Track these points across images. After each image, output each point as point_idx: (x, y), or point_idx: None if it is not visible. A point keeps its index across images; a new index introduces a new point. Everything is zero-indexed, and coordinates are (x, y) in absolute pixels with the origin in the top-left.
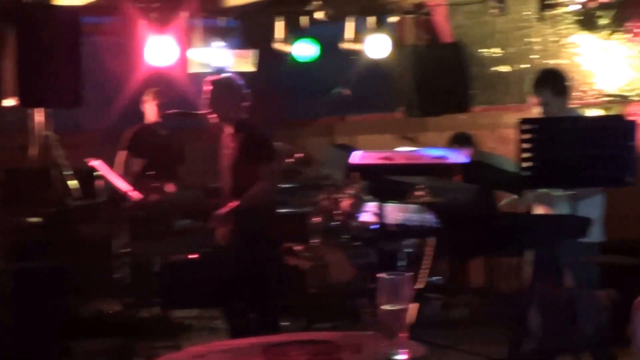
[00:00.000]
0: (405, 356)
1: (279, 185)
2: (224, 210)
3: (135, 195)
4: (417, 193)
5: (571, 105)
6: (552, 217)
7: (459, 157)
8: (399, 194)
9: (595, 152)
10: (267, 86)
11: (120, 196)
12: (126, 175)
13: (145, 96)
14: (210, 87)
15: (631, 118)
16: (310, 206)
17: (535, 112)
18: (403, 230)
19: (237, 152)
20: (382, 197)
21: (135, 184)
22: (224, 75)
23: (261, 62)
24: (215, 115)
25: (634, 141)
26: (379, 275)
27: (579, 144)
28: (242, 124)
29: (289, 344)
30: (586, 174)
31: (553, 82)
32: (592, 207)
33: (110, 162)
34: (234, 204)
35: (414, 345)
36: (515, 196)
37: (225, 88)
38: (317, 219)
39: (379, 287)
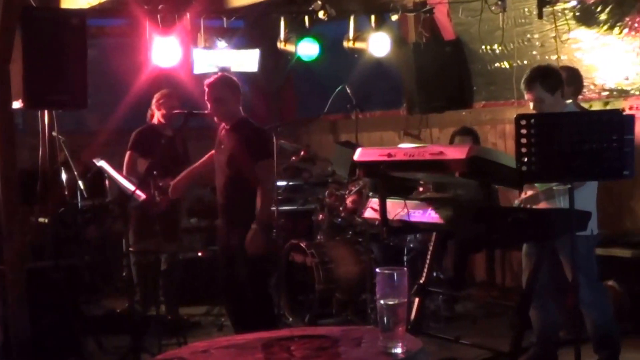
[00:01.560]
0: (402, 349)
1: (287, 183)
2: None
3: (141, 194)
4: (420, 189)
5: (568, 100)
6: (554, 211)
7: (457, 152)
8: (403, 190)
9: (594, 146)
10: (272, 85)
11: (127, 196)
12: (133, 175)
13: (155, 98)
14: (209, 89)
15: (630, 112)
16: (315, 203)
17: (531, 108)
18: (406, 226)
19: (231, 150)
20: (386, 193)
21: (141, 183)
22: (220, 74)
23: (265, 62)
24: (214, 115)
25: (632, 135)
26: (377, 270)
27: (577, 138)
28: (239, 121)
29: (289, 339)
30: (584, 167)
31: (543, 79)
32: (587, 200)
33: (119, 163)
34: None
35: (411, 339)
36: (537, 190)
37: (221, 87)
38: (322, 216)
39: (377, 281)
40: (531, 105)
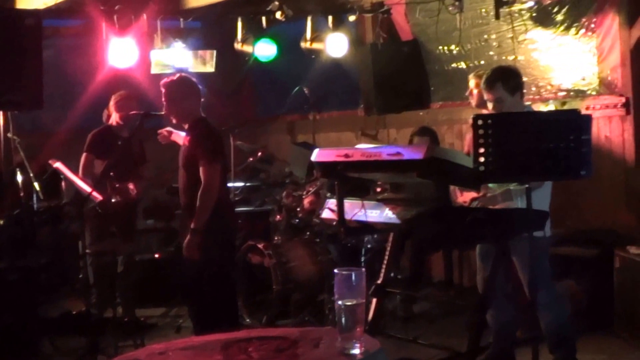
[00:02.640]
0: (360, 350)
1: (244, 184)
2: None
3: (97, 196)
4: (378, 189)
5: (527, 102)
6: (512, 211)
7: (414, 153)
8: (360, 190)
9: (551, 146)
10: (229, 86)
11: (84, 197)
12: (89, 176)
13: (113, 99)
14: (165, 89)
15: (587, 112)
16: (272, 204)
17: (490, 109)
18: (364, 226)
19: (185, 151)
20: (344, 193)
21: (98, 185)
22: (177, 75)
23: (223, 63)
24: (170, 115)
25: (589, 135)
26: (335, 270)
27: (534, 138)
28: (195, 122)
29: (248, 341)
30: (542, 167)
31: (505, 79)
32: (543, 200)
33: (77, 164)
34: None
35: (369, 339)
36: (497, 191)
37: (177, 87)
38: (279, 217)
39: (335, 282)
40: (490, 105)
